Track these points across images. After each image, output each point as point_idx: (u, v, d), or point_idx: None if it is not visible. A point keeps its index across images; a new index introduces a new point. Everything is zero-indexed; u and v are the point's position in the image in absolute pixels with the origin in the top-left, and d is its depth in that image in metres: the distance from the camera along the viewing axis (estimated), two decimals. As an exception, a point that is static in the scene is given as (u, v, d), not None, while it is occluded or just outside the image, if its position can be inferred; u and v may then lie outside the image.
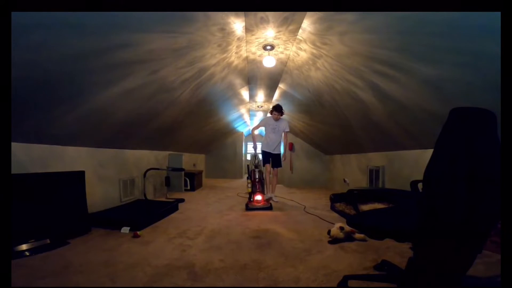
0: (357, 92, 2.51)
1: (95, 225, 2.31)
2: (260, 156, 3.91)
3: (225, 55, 2.48)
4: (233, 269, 1.52)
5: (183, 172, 4.65)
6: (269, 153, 3.75)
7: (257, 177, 3.46)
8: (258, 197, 3.33)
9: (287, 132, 3.82)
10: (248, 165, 3.86)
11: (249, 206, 3.27)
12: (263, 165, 3.78)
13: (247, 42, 2.36)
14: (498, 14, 1.06)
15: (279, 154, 3.81)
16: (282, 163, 3.90)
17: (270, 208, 3.24)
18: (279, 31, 2.14)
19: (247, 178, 3.61)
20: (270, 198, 3.67)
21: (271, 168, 3.81)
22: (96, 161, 2.80)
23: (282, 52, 2.57)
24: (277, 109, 3.63)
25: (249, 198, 3.46)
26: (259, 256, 1.72)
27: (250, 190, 3.50)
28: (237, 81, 3.52)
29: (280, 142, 3.81)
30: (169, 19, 1.62)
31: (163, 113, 3.07)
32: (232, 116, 5.61)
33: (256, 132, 4.00)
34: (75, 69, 1.62)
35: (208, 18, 1.77)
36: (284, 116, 3.81)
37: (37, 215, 1.89)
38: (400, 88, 2.05)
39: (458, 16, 1.24)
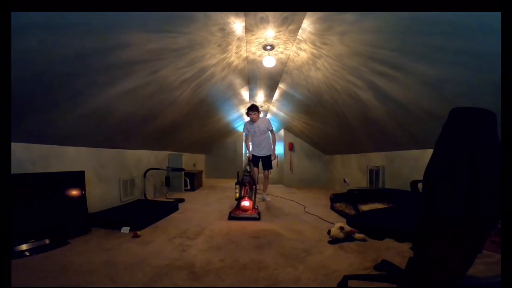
0: (357, 92, 2.51)
1: (95, 225, 2.31)
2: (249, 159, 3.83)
3: (225, 55, 2.48)
4: (233, 269, 1.52)
5: (183, 172, 4.65)
6: (258, 156, 3.69)
7: (246, 181, 3.11)
8: (246, 203, 2.86)
9: (271, 129, 3.72)
10: (238, 172, 3.49)
11: (232, 215, 2.77)
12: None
13: (247, 42, 2.36)
14: (498, 14, 1.06)
15: (269, 155, 3.72)
16: (273, 164, 3.84)
17: (257, 218, 2.73)
18: (279, 31, 2.14)
19: (236, 183, 3.17)
20: (263, 199, 3.60)
21: (263, 171, 3.75)
22: (96, 161, 2.80)
23: (282, 52, 2.57)
24: (252, 109, 3.53)
25: (237, 205, 3.00)
26: (259, 256, 1.72)
27: (238, 195, 3.04)
28: (237, 81, 3.53)
29: (267, 142, 3.71)
30: (169, 19, 1.62)
31: (163, 113, 3.07)
32: (232, 116, 5.61)
33: (250, 143, 3.87)
34: (75, 69, 1.62)
35: (208, 18, 1.77)
36: (263, 114, 3.73)
37: (37, 215, 1.89)
38: (400, 88, 2.05)
39: (458, 16, 1.24)
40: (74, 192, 2.26)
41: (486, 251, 1.59)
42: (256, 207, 2.96)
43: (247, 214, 2.78)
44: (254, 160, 3.68)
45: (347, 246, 1.88)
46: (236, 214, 2.79)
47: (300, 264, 1.60)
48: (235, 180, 3.37)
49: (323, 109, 3.52)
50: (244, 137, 3.86)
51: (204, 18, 1.75)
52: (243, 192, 3.02)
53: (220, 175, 7.85)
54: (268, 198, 3.82)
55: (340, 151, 5.06)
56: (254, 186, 3.20)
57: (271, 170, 3.90)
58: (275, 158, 3.86)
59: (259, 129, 3.65)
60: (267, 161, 3.73)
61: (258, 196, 3.57)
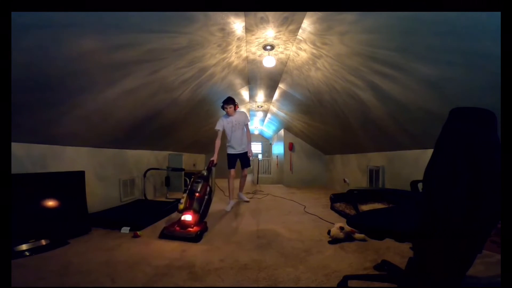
0: (357, 92, 2.51)
1: (95, 225, 2.31)
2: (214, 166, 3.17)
3: (225, 55, 2.48)
4: (233, 269, 1.52)
5: (183, 172, 4.65)
6: (235, 154, 3.40)
7: (195, 189, 2.34)
8: (187, 217, 2.17)
9: (247, 124, 3.42)
10: (192, 177, 2.59)
11: (165, 232, 2.11)
12: (229, 169, 3.36)
13: (247, 42, 2.36)
14: (498, 14, 1.06)
15: (247, 152, 3.44)
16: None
17: (195, 238, 2.02)
18: (279, 31, 2.14)
19: (183, 191, 2.42)
20: (241, 199, 3.36)
21: (241, 170, 3.50)
22: (96, 161, 2.80)
23: (282, 52, 2.57)
24: (228, 102, 3.18)
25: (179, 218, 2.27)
26: (259, 256, 1.72)
27: (182, 206, 2.25)
28: (237, 81, 3.53)
29: (245, 137, 3.42)
30: (169, 19, 1.62)
31: (163, 113, 3.07)
32: (232, 116, 5.61)
33: (218, 141, 3.28)
34: (75, 69, 1.62)
35: (208, 18, 1.77)
36: (240, 108, 3.40)
37: (37, 215, 1.89)
38: (400, 88, 2.05)
39: (458, 16, 1.24)
40: (74, 192, 2.26)
41: (486, 251, 1.59)
42: (204, 221, 2.34)
43: (184, 233, 2.08)
44: (230, 159, 3.34)
45: (347, 246, 1.88)
46: (169, 231, 2.11)
47: (300, 264, 1.59)
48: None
49: (323, 109, 3.51)
50: (219, 135, 3.28)
51: (204, 18, 1.76)
52: (186, 203, 2.28)
53: (220, 175, 7.84)
54: (246, 198, 3.61)
55: (340, 151, 5.06)
56: (207, 197, 2.44)
57: (249, 168, 3.60)
58: (252, 156, 3.54)
59: (237, 123, 3.30)
60: (246, 158, 3.44)
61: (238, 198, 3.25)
